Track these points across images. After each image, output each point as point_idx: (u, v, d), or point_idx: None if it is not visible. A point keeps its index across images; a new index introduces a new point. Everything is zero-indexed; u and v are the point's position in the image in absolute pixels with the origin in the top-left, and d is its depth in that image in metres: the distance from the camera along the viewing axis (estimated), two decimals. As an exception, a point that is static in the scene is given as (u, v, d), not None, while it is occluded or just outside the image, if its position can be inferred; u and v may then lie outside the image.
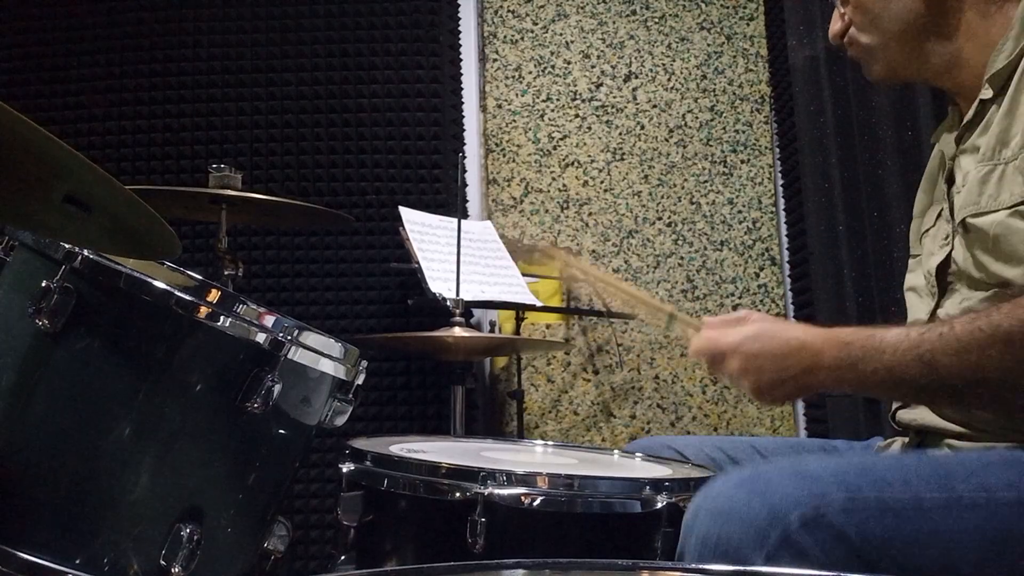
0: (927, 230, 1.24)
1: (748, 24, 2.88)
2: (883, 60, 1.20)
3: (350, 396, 1.39)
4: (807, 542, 0.85)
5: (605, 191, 2.80)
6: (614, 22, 2.88)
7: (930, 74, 1.20)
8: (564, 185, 2.81)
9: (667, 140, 2.83)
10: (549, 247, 1.65)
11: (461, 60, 2.72)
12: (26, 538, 1.13)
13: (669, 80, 2.86)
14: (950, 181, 1.17)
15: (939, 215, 1.20)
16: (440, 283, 2.05)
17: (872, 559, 0.85)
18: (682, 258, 2.78)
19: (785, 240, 2.73)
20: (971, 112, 1.12)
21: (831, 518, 0.86)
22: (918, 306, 1.22)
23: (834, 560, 0.84)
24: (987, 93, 1.09)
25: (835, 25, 1.23)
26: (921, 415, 1.17)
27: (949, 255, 1.13)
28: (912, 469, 0.94)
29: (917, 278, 1.25)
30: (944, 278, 1.15)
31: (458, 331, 1.92)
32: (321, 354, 1.30)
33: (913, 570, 0.86)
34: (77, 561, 1.13)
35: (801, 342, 1.05)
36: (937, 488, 0.90)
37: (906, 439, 1.21)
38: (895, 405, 1.24)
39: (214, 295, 1.20)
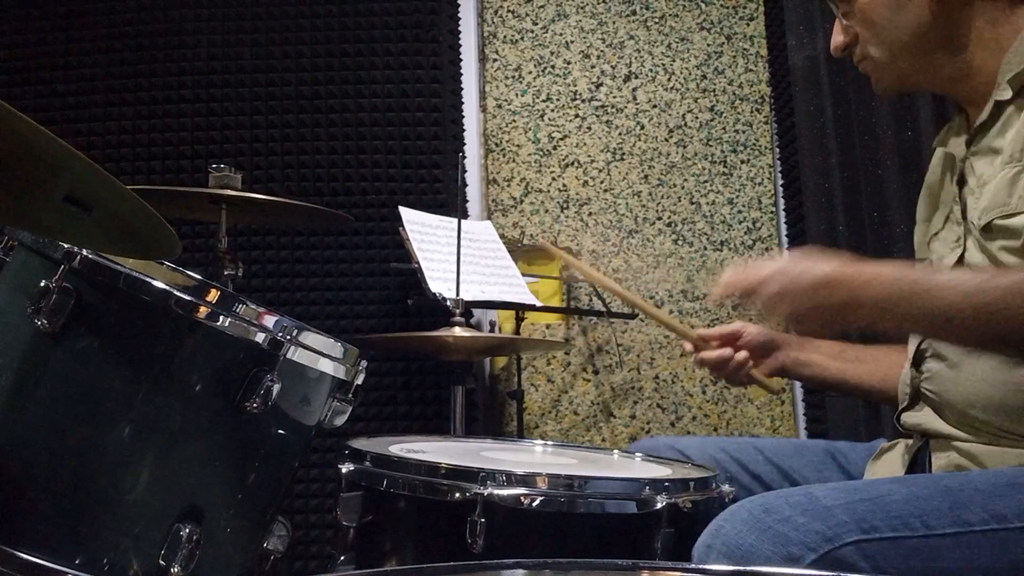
0: (935, 234, 1.23)
1: (748, 24, 2.88)
2: (894, 73, 1.19)
3: (350, 396, 1.38)
4: None
5: (605, 191, 2.80)
6: (614, 22, 2.88)
7: (941, 83, 1.20)
8: (564, 185, 2.81)
9: (667, 140, 2.83)
10: (549, 246, 1.64)
11: (461, 60, 2.72)
12: (26, 538, 1.12)
13: (669, 80, 2.86)
14: (961, 183, 1.16)
15: (947, 218, 1.20)
16: (440, 283, 2.05)
17: None
18: (682, 258, 2.78)
19: (785, 240, 2.73)
20: (985, 114, 1.12)
21: (845, 558, 0.86)
22: None
23: None
24: (1004, 94, 1.09)
25: (837, 37, 1.22)
26: (926, 419, 1.16)
27: (962, 257, 1.13)
28: (925, 500, 0.93)
29: None
30: None
31: (458, 331, 1.92)
32: (321, 354, 1.30)
33: None
34: (77, 561, 1.13)
35: (837, 276, 1.02)
36: (949, 521, 0.90)
37: (910, 441, 1.21)
38: (900, 407, 1.23)
39: (214, 295, 1.20)
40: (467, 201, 2.67)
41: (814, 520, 0.88)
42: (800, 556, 0.86)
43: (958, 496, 0.94)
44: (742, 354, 1.37)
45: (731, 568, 0.71)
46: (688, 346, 1.42)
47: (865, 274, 1.02)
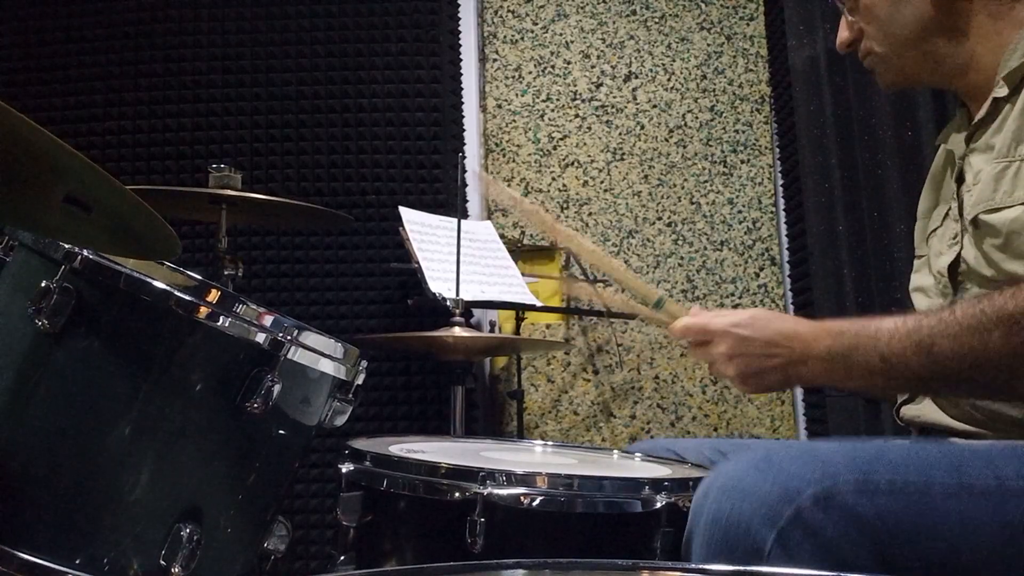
0: (934, 230, 1.23)
1: (748, 24, 2.88)
2: (896, 67, 1.20)
3: (350, 396, 1.39)
4: (819, 520, 0.84)
5: (605, 191, 2.81)
6: (614, 22, 2.88)
7: (943, 78, 1.20)
8: (564, 185, 2.81)
9: (667, 140, 2.83)
10: (539, 210, 1.58)
11: (461, 60, 2.72)
12: (26, 538, 1.13)
13: (669, 80, 2.86)
14: (960, 180, 1.17)
15: (946, 215, 1.20)
16: (440, 283, 2.05)
17: (883, 540, 0.85)
18: (682, 258, 2.78)
19: (785, 240, 2.73)
20: (983, 110, 1.12)
21: (843, 497, 0.86)
22: (927, 307, 1.22)
23: (845, 539, 0.84)
24: (1001, 91, 1.09)
25: (843, 33, 1.23)
26: (925, 412, 1.17)
27: (959, 254, 1.13)
28: (924, 454, 0.94)
29: (924, 278, 1.24)
30: (955, 278, 1.14)
31: (458, 331, 1.92)
32: (321, 354, 1.30)
33: (923, 554, 0.86)
34: (77, 561, 1.13)
35: (792, 331, 1.04)
36: (948, 473, 0.90)
37: (909, 439, 1.21)
38: (899, 400, 1.24)
39: (214, 295, 1.20)
40: (467, 201, 2.67)
41: (814, 462, 0.89)
42: (799, 489, 0.85)
43: (961, 455, 0.94)
44: None
45: (731, 568, 0.71)
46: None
47: (811, 327, 1.04)
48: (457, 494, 1.07)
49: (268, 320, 1.23)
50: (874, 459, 0.91)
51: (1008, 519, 0.88)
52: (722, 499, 0.88)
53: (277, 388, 1.20)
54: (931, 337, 0.96)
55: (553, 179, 2.81)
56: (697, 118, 2.84)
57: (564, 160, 2.82)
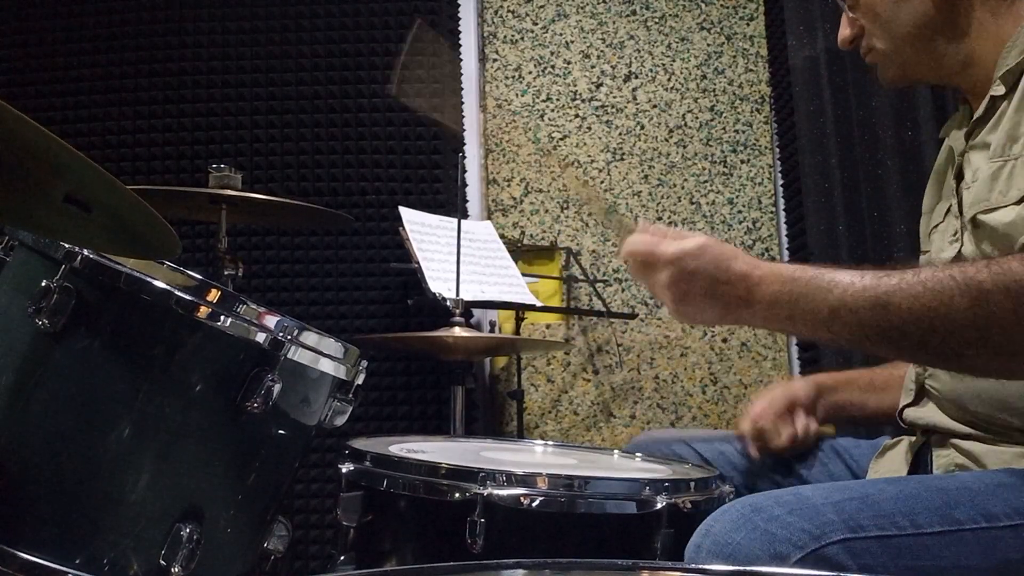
0: (936, 226, 1.24)
1: (748, 24, 2.88)
2: (898, 64, 1.20)
3: (350, 396, 1.39)
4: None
5: (605, 191, 2.80)
6: (614, 22, 2.88)
7: (944, 74, 1.20)
8: (564, 185, 2.81)
9: (667, 140, 2.83)
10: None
11: (461, 60, 2.72)
12: (26, 538, 1.12)
13: (669, 80, 2.86)
14: (959, 177, 1.17)
15: (948, 211, 1.20)
16: (440, 283, 2.05)
17: None
18: (682, 258, 2.77)
19: (785, 240, 2.73)
20: (981, 108, 1.12)
21: (832, 556, 0.86)
22: None
23: None
24: (999, 90, 1.09)
25: (844, 30, 1.23)
26: (927, 414, 1.17)
27: (959, 252, 1.13)
28: (914, 499, 0.93)
29: None
30: None
31: (458, 331, 1.92)
32: (321, 354, 1.30)
33: None
34: (77, 561, 1.13)
35: (742, 272, 0.99)
36: (939, 520, 0.90)
37: (912, 438, 1.21)
38: (902, 403, 1.24)
39: (214, 295, 1.20)
40: (467, 201, 2.67)
41: (802, 519, 0.88)
42: (787, 554, 0.85)
43: (948, 495, 0.93)
44: (801, 423, 1.33)
45: (731, 568, 0.71)
46: (753, 451, 1.35)
47: (762, 269, 0.99)
48: (457, 494, 1.07)
49: (269, 320, 1.23)
50: (863, 511, 0.90)
51: (1000, 559, 0.88)
52: (712, 561, 0.88)
53: (277, 388, 1.20)
54: (888, 295, 0.92)
55: (553, 179, 2.81)
56: (697, 118, 2.84)
57: (564, 160, 2.82)
